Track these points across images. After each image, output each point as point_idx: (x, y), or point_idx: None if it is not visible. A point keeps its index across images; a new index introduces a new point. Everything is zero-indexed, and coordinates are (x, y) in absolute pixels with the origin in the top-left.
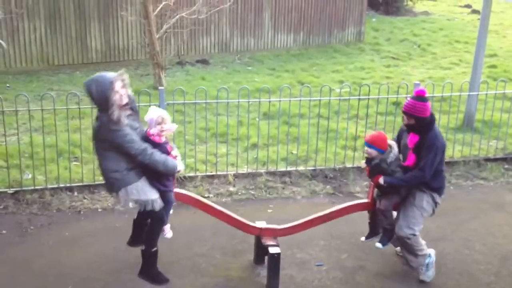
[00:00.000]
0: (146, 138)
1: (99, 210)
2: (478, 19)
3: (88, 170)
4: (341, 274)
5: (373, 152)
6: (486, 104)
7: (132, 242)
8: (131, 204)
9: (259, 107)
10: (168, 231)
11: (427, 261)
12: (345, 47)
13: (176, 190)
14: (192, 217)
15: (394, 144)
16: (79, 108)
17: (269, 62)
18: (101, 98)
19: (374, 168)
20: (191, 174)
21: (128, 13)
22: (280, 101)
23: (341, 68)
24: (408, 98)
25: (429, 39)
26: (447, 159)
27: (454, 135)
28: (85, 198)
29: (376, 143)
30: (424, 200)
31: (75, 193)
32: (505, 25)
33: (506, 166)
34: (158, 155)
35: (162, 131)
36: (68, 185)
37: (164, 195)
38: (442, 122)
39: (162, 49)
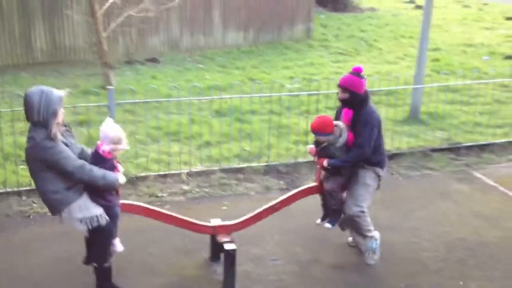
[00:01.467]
0: (95, 151)
1: (49, 214)
2: (422, 14)
3: None
4: (296, 268)
5: (323, 139)
6: (431, 97)
7: (87, 261)
8: (75, 222)
9: (210, 105)
10: (118, 245)
11: (372, 246)
12: (295, 44)
13: (122, 201)
14: (145, 219)
15: (343, 127)
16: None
17: (219, 59)
18: (45, 112)
19: (321, 151)
20: (144, 174)
21: (73, 12)
22: (231, 98)
23: (291, 65)
24: (345, 73)
25: (376, 34)
26: (394, 150)
27: (401, 127)
28: (34, 203)
29: (320, 129)
30: (367, 176)
31: (23, 198)
32: (447, 19)
33: (451, 156)
34: (96, 170)
35: (115, 150)
36: (16, 189)
37: (108, 210)
38: (389, 115)
39: (110, 48)
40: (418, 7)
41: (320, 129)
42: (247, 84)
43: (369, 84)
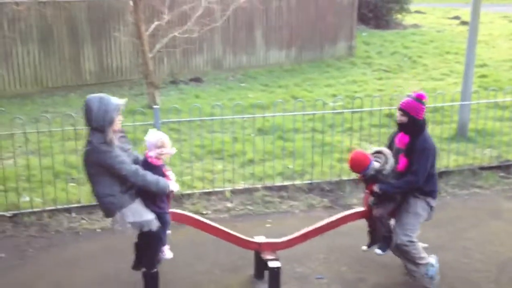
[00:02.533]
0: (144, 160)
1: (98, 230)
2: (468, 30)
3: (85, 191)
4: (341, 287)
5: (369, 172)
6: (479, 113)
7: (136, 265)
8: (127, 226)
9: (253, 123)
10: (167, 252)
11: (430, 272)
12: (337, 62)
13: (172, 210)
14: (191, 234)
15: (389, 154)
16: (75, 129)
17: (262, 78)
18: (102, 117)
19: (370, 178)
20: (189, 191)
21: (121, 34)
22: (274, 116)
23: (334, 82)
24: (406, 97)
25: (420, 51)
26: (442, 169)
27: (448, 145)
28: (83, 219)
29: (355, 169)
30: (418, 206)
31: (73, 214)
32: (494, 35)
33: (501, 174)
34: (150, 176)
35: (161, 154)
36: (66, 206)
37: (160, 217)
38: (436, 133)
39: (156, 68)
40: (464, 23)
41: (355, 169)
42: (289, 102)
43: None
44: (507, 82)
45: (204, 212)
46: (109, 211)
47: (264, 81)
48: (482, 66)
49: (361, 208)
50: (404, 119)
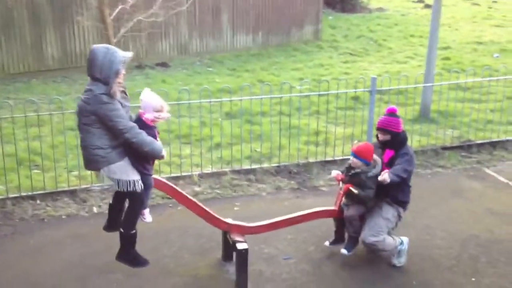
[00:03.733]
0: (137, 119)
1: (63, 217)
2: (431, 13)
3: (49, 177)
4: (309, 267)
5: (358, 163)
6: (441, 95)
7: (108, 227)
8: (113, 183)
9: (221, 107)
10: (147, 215)
11: (399, 248)
12: (304, 46)
13: (154, 176)
14: (158, 220)
15: (379, 161)
16: (38, 115)
17: (229, 62)
18: (107, 68)
19: (352, 177)
20: (156, 176)
21: (84, 18)
22: (241, 100)
23: (301, 66)
24: (381, 116)
25: (385, 34)
26: None
27: (412, 126)
28: (48, 206)
29: (362, 155)
30: (390, 213)
31: (38, 201)
32: (456, 18)
33: (462, 154)
34: (145, 135)
35: (158, 118)
36: (30, 193)
37: (144, 179)
38: (400, 115)
39: None
40: (427, 6)
41: (363, 154)
42: (256, 86)
43: (379, 83)
44: (469, 64)
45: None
46: (95, 164)
47: (231, 66)
48: (445, 48)
49: (331, 207)
50: (387, 137)
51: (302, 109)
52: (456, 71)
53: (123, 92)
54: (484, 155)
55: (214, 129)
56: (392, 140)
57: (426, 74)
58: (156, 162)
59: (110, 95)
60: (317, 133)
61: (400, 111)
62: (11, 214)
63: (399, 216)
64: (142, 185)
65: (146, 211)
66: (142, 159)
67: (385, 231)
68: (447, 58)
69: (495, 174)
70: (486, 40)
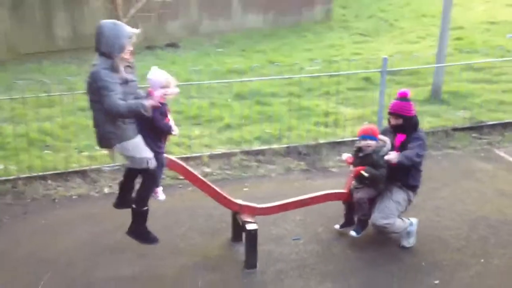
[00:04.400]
0: (147, 96)
1: (74, 197)
2: None
3: (60, 158)
4: (317, 247)
5: (371, 143)
6: (453, 76)
7: (118, 204)
8: (127, 161)
9: (231, 88)
10: (160, 193)
11: (408, 229)
12: (315, 26)
13: (166, 155)
14: (169, 201)
15: (387, 139)
16: (49, 95)
17: (239, 43)
18: (112, 42)
19: (363, 158)
20: (168, 155)
21: None
22: (251, 81)
23: (311, 47)
24: (392, 101)
25: (397, 14)
26: None
27: (423, 107)
28: (59, 186)
29: (370, 133)
30: (401, 196)
31: (49, 181)
32: None
33: (473, 135)
34: (124, 105)
35: (166, 94)
36: (41, 173)
37: (157, 157)
38: (411, 95)
39: None
40: None
41: (370, 132)
42: (267, 67)
43: (390, 64)
44: (481, 44)
45: (182, 177)
46: (107, 142)
47: (241, 46)
48: (457, 29)
49: (341, 190)
50: (399, 121)
51: (312, 90)
52: (468, 52)
53: (129, 67)
54: (495, 136)
55: (224, 110)
56: (404, 124)
57: (438, 55)
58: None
59: (114, 69)
60: (327, 114)
61: (411, 92)
62: (23, 194)
63: (409, 200)
64: (155, 162)
65: (159, 189)
66: (155, 137)
67: (395, 214)
68: (460, 38)
69: (506, 156)
70: (499, 20)
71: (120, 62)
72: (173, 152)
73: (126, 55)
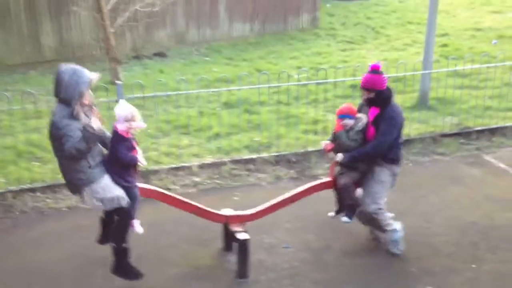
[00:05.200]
0: (113, 131)
1: (64, 209)
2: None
3: (49, 169)
4: (309, 255)
5: (350, 122)
6: (439, 82)
7: (102, 240)
8: (95, 202)
9: (219, 97)
10: (137, 226)
11: (394, 237)
12: (301, 34)
13: (140, 185)
14: (154, 211)
15: (364, 116)
16: (36, 107)
17: (226, 51)
18: (72, 89)
19: (336, 140)
20: (155, 167)
21: (80, 8)
22: (239, 89)
23: (298, 54)
24: (364, 74)
25: (383, 21)
26: (404, 137)
27: (410, 114)
28: (48, 198)
29: (348, 111)
30: (383, 174)
31: (38, 194)
32: (454, 4)
33: (461, 141)
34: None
35: (130, 128)
36: (30, 186)
37: (128, 191)
38: (398, 102)
39: (118, 43)
40: None
41: (347, 111)
42: (254, 76)
43: None
44: (467, 50)
45: (172, 187)
46: (76, 188)
47: (228, 55)
48: (443, 35)
49: (326, 179)
50: (371, 95)
51: (300, 98)
52: (454, 58)
53: (90, 107)
54: (483, 141)
55: (213, 119)
56: (377, 98)
57: (424, 61)
58: (155, 153)
59: (74, 117)
60: (315, 122)
61: (398, 99)
62: (11, 207)
63: (394, 175)
64: (127, 199)
65: (136, 222)
66: (122, 172)
67: (383, 194)
68: (445, 45)
69: (494, 161)
70: (484, 26)
71: (80, 109)
72: (162, 162)
73: (86, 100)
